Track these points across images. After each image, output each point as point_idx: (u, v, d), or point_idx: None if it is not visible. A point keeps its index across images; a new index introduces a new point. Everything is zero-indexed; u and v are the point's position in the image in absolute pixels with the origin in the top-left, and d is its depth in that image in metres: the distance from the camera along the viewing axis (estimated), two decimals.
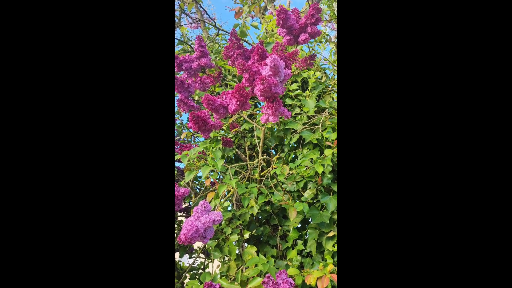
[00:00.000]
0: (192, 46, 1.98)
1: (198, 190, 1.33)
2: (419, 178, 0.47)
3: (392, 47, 0.50)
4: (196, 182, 1.36)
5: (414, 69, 0.49)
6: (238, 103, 0.66)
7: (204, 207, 0.58)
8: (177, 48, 1.97)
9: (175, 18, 2.37)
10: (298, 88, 1.16)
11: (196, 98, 1.09)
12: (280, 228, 1.09)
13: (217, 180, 0.85)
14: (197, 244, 1.78)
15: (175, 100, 0.82)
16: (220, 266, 1.01)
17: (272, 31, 1.34)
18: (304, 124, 1.13)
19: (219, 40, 1.87)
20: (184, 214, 1.53)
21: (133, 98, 0.51)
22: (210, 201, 0.85)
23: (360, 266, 0.47)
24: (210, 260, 1.49)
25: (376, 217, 0.48)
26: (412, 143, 0.48)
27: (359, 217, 0.49)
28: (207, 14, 1.22)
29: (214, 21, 1.25)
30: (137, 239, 0.49)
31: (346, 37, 0.52)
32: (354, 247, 0.48)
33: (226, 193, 0.94)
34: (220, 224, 1.04)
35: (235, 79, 1.33)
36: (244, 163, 1.16)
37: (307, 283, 0.76)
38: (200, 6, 1.32)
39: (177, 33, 2.22)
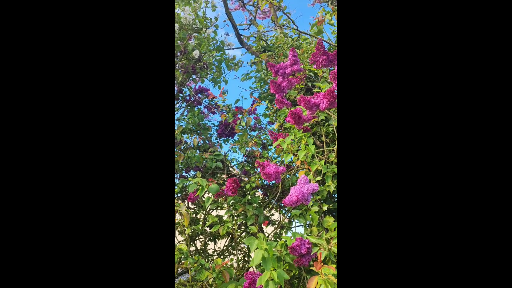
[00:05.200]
0: (266, 41, 2.21)
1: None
2: (415, 172, 0.48)
3: (389, 55, 0.51)
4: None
5: (412, 72, 0.49)
6: (328, 102, 0.86)
7: (305, 180, 0.82)
8: (254, 44, 2.23)
9: (251, 16, 2.62)
10: None
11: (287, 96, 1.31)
12: None
13: (305, 161, 1.08)
14: (275, 217, 2.08)
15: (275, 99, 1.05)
16: (303, 230, 1.26)
17: None
18: None
19: (294, 33, 2.04)
20: (261, 191, 1.85)
21: (134, 95, 0.52)
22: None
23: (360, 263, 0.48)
24: (284, 231, 1.78)
25: (376, 211, 0.49)
26: (408, 144, 0.49)
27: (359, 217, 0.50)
28: (290, 19, 1.41)
29: (296, 26, 1.44)
30: (140, 229, 0.50)
31: (346, 41, 0.53)
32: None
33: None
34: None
35: (312, 74, 1.51)
36: (322, 149, 1.35)
37: None
38: (283, 11, 1.51)
39: (253, 28, 2.47)
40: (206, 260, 1.76)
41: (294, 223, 1.58)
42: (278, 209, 1.79)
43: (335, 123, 1.38)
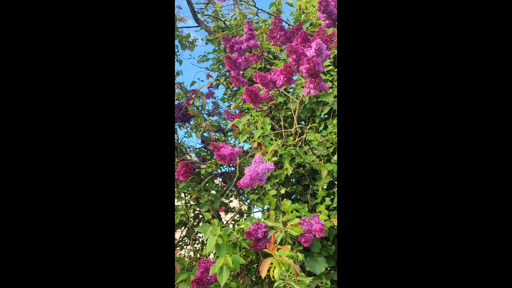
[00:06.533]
0: (225, 22, 2.09)
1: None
2: (412, 165, 0.47)
3: (391, 50, 0.50)
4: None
5: (413, 70, 0.49)
6: (285, 78, 0.82)
7: (260, 159, 0.77)
8: (212, 25, 2.10)
9: None
10: (330, 64, 1.27)
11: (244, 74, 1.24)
12: (310, 187, 1.28)
13: (262, 143, 1.04)
14: (234, 204, 2.04)
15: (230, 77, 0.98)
16: (261, 214, 1.23)
17: (306, 8, 1.43)
18: (335, 97, 1.26)
19: (253, 16, 1.97)
20: (220, 179, 1.78)
21: (134, 89, 0.52)
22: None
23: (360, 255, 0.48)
24: (244, 218, 1.75)
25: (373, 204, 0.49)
26: (409, 139, 0.48)
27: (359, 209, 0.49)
28: None
29: (254, 2, 1.36)
30: (141, 221, 0.50)
31: (347, 39, 0.53)
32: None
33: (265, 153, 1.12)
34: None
35: (271, 57, 1.46)
36: (279, 131, 1.33)
37: (336, 224, 0.95)
38: None
39: (210, 9, 2.33)
40: None
41: (253, 209, 1.54)
42: (237, 196, 1.74)
43: (293, 106, 1.36)
